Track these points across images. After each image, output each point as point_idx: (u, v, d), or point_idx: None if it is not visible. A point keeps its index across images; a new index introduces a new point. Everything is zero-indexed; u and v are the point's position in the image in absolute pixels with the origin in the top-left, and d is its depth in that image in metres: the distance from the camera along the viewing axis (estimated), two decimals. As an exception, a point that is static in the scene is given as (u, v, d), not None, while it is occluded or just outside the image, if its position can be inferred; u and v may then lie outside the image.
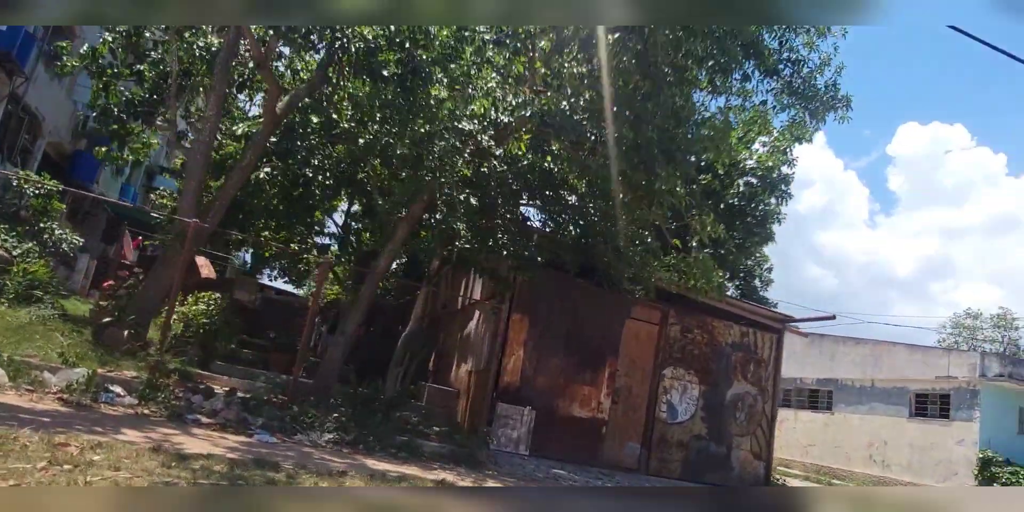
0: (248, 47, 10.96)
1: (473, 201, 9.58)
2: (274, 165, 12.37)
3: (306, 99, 11.98)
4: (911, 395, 21.78)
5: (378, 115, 9.98)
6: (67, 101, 19.43)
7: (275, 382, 10.57)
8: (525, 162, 9.64)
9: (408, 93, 10.25)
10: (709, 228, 9.23)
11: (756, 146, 14.99)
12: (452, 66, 11.10)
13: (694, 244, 9.70)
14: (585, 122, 8.68)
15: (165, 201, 22.26)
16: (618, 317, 12.30)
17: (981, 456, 19.03)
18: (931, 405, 21.21)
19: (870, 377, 23.17)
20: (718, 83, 10.96)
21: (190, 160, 10.46)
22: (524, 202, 11.24)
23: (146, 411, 7.72)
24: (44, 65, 17.19)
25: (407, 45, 10.38)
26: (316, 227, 17.12)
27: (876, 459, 22.09)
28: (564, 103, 8.66)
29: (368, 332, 17.36)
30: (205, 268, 17.33)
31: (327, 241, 17.85)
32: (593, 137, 8.67)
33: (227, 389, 8.95)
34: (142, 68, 11.46)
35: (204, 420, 7.97)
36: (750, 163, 13.81)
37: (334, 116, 12.07)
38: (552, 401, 11.59)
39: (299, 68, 12.33)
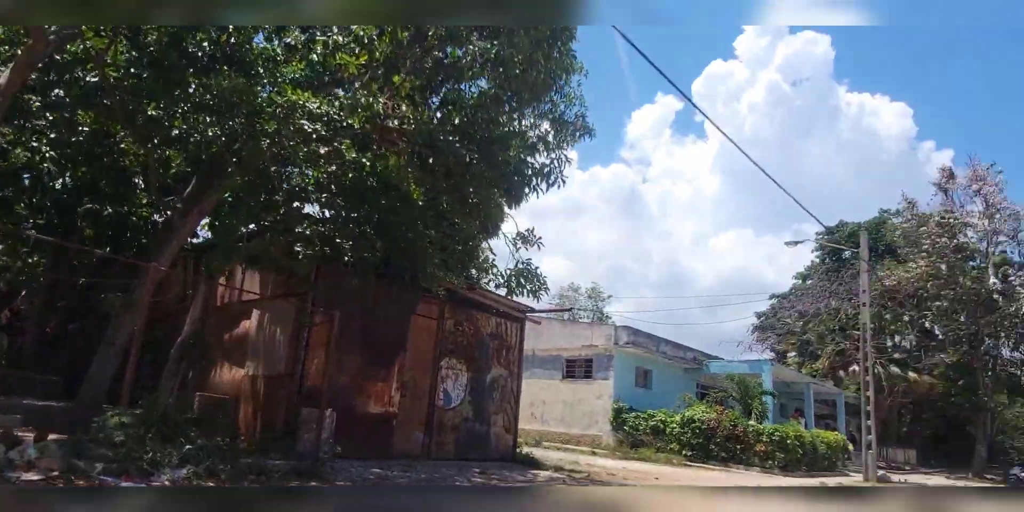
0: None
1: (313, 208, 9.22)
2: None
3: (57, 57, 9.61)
4: (563, 361, 26.69)
5: (192, 101, 8.76)
6: None
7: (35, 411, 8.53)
8: (368, 163, 9.56)
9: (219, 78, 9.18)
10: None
11: None
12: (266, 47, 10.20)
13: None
14: (458, 144, 9.09)
15: None
16: (406, 314, 12.86)
17: (615, 407, 24.56)
18: (578, 369, 26.37)
19: (531, 348, 27.54)
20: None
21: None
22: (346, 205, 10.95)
23: (-50, 476, 5.86)
24: None
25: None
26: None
27: (537, 415, 26.51)
28: (436, 123, 8.94)
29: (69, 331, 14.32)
30: None
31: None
32: (468, 159, 9.15)
33: (34, 433, 7.09)
34: None
35: (28, 477, 6.34)
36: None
37: (91, 79, 9.91)
38: (351, 400, 11.66)
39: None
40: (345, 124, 9.19)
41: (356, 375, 11.85)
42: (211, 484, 7.38)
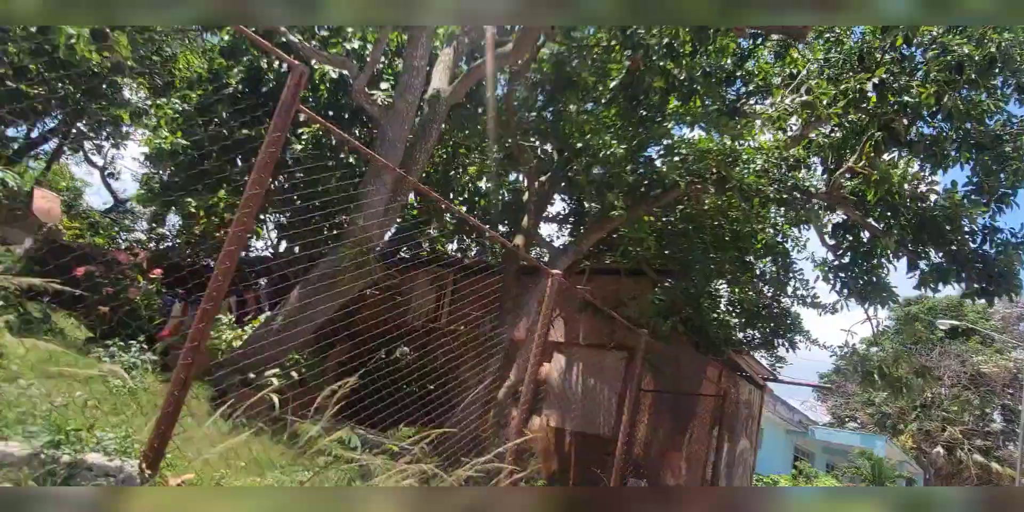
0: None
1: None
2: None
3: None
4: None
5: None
6: None
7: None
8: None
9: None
10: None
11: None
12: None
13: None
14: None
15: None
16: (699, 379, 11.76)
17: (737, 464, 23.50)
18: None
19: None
20: None
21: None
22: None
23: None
24: None
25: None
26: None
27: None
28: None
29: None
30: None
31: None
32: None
33: None
34: None
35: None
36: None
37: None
38: (655, 471, 10.56)
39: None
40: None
41: (663, 443, 10.74)
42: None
